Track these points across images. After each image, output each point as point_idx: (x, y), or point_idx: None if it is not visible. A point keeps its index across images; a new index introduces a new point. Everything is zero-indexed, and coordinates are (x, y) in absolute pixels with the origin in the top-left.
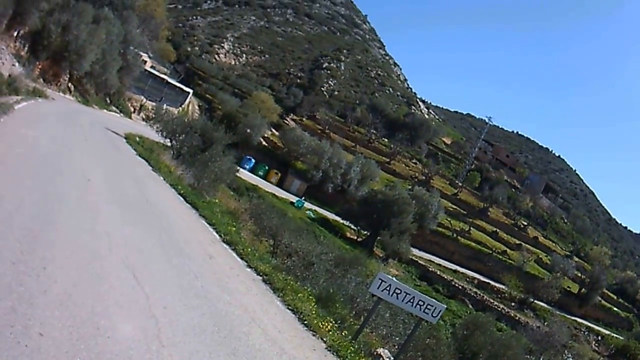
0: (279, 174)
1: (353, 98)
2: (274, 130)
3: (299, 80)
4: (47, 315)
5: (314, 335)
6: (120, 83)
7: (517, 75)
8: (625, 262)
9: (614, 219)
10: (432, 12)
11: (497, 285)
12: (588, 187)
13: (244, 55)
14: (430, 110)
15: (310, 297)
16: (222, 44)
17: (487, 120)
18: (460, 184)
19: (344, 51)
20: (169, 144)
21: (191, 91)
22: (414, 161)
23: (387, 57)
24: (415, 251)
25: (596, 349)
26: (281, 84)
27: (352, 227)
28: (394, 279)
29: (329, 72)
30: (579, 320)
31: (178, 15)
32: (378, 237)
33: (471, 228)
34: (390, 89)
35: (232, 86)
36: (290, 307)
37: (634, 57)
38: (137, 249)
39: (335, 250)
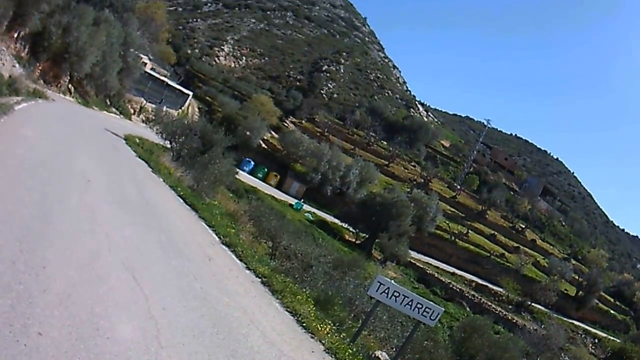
0: (278, 177)
1: (352, 101)
2: (273, 132)
3: (298, 83)
4: (46, 314)
5: (312, 337)
6: (121, 85)
7: (515, 79)
8: (623, 265)
9: (612, 222)
10: (432, 15)
11: (495, 288)
12: (586, 190)
13: (244, 57)
14: (429, 113)
15: (309, 300)
16: (222, 47)
17: (485, 123)
18: (458, 187)
19: (344, 54)
20: (169, 146)
21: (191, 93)
22: (412, 164)
23: (386, 60)
24: (414, 254)
25: (593, 351)
26: (281, 87)
27: (351, 229)
28: (392, 281)
29: (328, 74)
30: (576, 323)
31: (178, 17)
32: (376, 240)
33: (469, 231)
34: (390, 92)
35: (232, 88)
36: (289, 309)
37: (631, 61)
38: (136, 250)
39: (334, 253)
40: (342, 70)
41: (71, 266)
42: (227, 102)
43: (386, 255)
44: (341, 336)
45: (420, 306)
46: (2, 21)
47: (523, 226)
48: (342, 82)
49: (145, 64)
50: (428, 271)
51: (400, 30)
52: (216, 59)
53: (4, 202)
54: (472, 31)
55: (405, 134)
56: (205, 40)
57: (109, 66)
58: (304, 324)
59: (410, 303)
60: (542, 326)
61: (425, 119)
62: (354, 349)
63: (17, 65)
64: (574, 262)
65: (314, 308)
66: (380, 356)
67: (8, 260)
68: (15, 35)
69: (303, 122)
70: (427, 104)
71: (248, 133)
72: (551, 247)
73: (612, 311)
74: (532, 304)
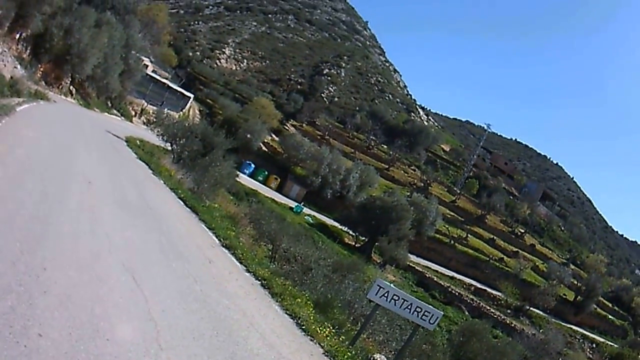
0: (279, 179)
1: (353, 104)
2: (274, 135)
3: (299, 86)
4: (46, 315)
5: (311, 340)
6: (122, 87)
7: (516, 84)
8: (621, 270)
9: (611, 227)
10: (433, 19)
11: (494, 292)
12: (585, 195)
13: (245, 60)
14: (430, 117)
15: (308, 302)
16: (224, 49)
17: (485, 128)
18: (458, 191)
19: (345, 57)
20: (170, 148)
21: (192, 96)
22: (412, 168)
23: (387, 64)
24: (413, 257)
25: (590, 356)
26: (282, 90)
27: (351, 232)
28: (391, 285)
29: (329, 78)
30: (574, 327)
31: (180, 20)
32: (376, 243)
33: (468, 235)
34: (390, 96)
35: (233, 91)
36: (288, 312)
37: (631, 68)
38: (136, 251)
39: (334, 256)
40: (343, 74)
41: (71, 267)
42: (228, 104)
43: (385, 258)
44: (340, 339)
45: (420, 310)
46: (4, 22)
47: (522, 231)
48: (343, 85)
49: (147, 66)
50: (427, 275)
51: (402, 35)
52: (217, 61)
53: (4, 203)
54: (473, 36)
55: (405, 137)
56: (207, 43)
57: (111, 68)
58: (304, 327)
59: (409, 307)
60: (541, 331)
61: (426, 123)
62: (353, 352)
63: (18, 66)
64: (572, 267)
65: (314, 311)
66: (379, 359)
67: (8, 261)
68: (17, 36)
69: (304, 125)
70: (428, 108)
71: (249, 136)
72: (550, 251)
73: (610, 316)
74: (531, 308)
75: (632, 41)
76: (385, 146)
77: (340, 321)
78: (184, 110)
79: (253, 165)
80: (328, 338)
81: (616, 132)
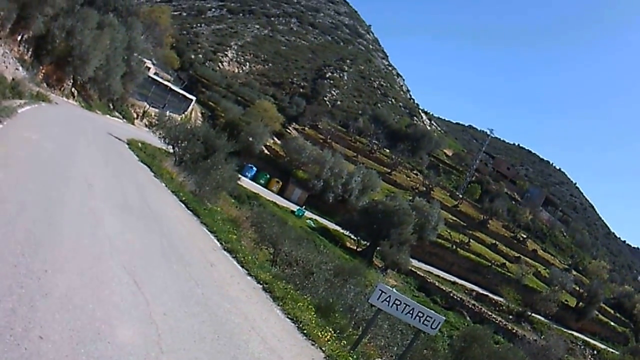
0: (280, 183)
1: (355, 108)
2: (276, 139)
3: (301, 90)
4: (47, 318)
5: (313, 344)
6: (124, 89)
7: (519, 90)
8: (623, 277)
9: (613, 233)
10: (437, 24)
11: (496, 297)
12: (588, 201)
13: (248, 63)
14: (432, 122)
15: (310, 307)
16: (226, 52)
17: (488, 133)
18: (460, 196)
19: (347, 61)
20: (171, 151)
21: (194, 98)
22: (415, 172)
23: (390, 68)
24: (415, 262)
25: None
26: (284, 93)
27: (352, 237)
28: (393, 289)
29: (331, 81)
30: (575, 334)
31: (182, 22)
32: (377, 248)
33: (470, 240)
34: (393, 100)
35: (235, 94)
36: (289, 316)
37: (635, 78)
38: (138, 254)
39: (335, 260)
40: (345, 78)
41: (73, 270)
42: (230, 107)
43: (387, 263)
44: (342, 344)
45: (421, 315)
46: (5, 24)
47: (524, 236)
48: (346, 89)
49: (149, 68)
50: (429, 280)
51: (405, 39)
52: (220, 64)
53: (6, 205)
54: (477, 42)
55: (408, 142)
56: (209, 46)
57: (113, 70)
58: (305, 331)
59: (411, 312)
60: (542, 337)
61: (429, 128)
62: (355, 357)
63: (20, 68)
64: (574, 273)
65: (315, 315)
66: None
67: (10, 263)
68: (19, 38)
69: (306, 128)
70: (431, 113)
71: (251, 139)
72: (552, 257)
73: (612, 323)
74: (533, 314)
75: (637, 50)
76: (387, 150)
77: (341, 325)
78: (186, 113)
79: (255, 169)
80: (329, 342)
81: (619, 139)
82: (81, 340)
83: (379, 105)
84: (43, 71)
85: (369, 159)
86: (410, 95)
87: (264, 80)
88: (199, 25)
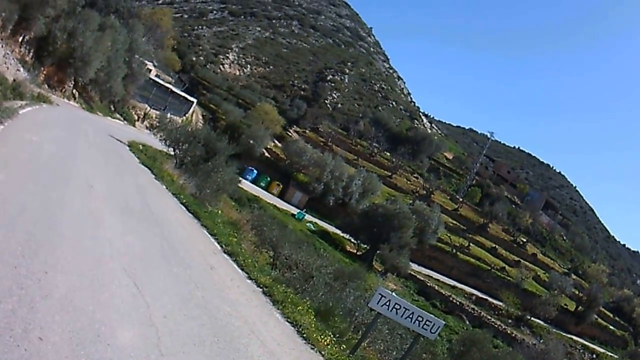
0: (281, 186)
1: (356, 111)
2: (276, 141)
3: (302, 92)
4: (47, 319)
5: (312, 348)
6: (125, 91)
7: (520, 93)
8: (623, 280)
9: (613, 237)
10: (438, 28)
11: (495, 301)
12: (588, 204)
13: (249, 66)
14: (433, 125)
15: (310, 310)
16: (227, 54)
17: (489, 136)
18: (460, 199)
19: (348, 64)
20: (172, 153)
21: (195, 101)
22: (415, 176)
23: (391, 71)
24: (414, 266)
25: None
26: (285, 96)
27: (352, 240)
28: (393, 294)
29: (332, 84)
30: (574, 338)
31: (184, 24)
32: (377, 251)
33: (470, 244)
34: (394, 103)
35: (236, 96)
36: (289, 320)
37: (634, 81)
38: (138, 256)
39: (335, 264)
40: (346, 80)
41: (73, 271)
42: (231, 110)
43: (387, 267)
44: (341, 347)
45: (421, 319)
46: (7, 25)
47: (524, 240)
48: (347, 92)
49: (150, 70)
50: (428, 284)
51: (406, 42)
52: (221, 66)
53: (6, 207)
54: (477, 45)
55: (408, 145)
56: (210, 48)
57: (114, 72)
58: (305, 335)
59: (411, 316)
60: (541, 341)
61: (429, 131)
62: None
63: (21, 69)
64: (574, 276)
65: (315, 319)
66: None
67: (10, 264)
68: (20, 39)
69: (307, 131)
70: (431, 116)
71: (251, 142)
72: (552, 261)
73: (611, 327)
74: (532, 318)
75: (637, 53)
76: (388, 153)
77: (341, 329)
78: (187, 115)
79: (255, 171)
80: (329, 346)
81: (619, 142)
82: (81, 341)
83: (379, 108)
84: (44, 72)
85: (370, 162)
86: (411, 98)
87: (265, 83)
88: (200, 27)
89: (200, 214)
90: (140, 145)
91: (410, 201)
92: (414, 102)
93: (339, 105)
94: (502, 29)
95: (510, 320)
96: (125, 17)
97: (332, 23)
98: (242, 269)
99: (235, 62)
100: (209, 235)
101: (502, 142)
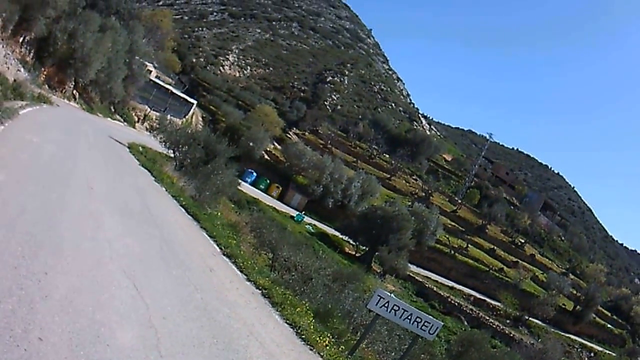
0: (280, 188)
1: (356, 113)
2: (276, 144)
3: (302, 94)
4: (47, 320)
5: (311, 349)
6: (125, 92)
7: (518, 94)
8: (621, 279)
9: (611, 236)
10: (437, 29)
11: (493, 302)
12: (586, 204)
13: (249, 67)
14: (432, 126)
15: (308, 312)
16: (227, 56)
17: (487, 137)
18: (459, 201)
19: (348, 65)
20: (172, 155)
21: (195, 102)
22: (414, 177)
23: (390, 72)
24: (413, 267)
25: None
26: (285, 97)
27: (351, 242)
28: (392, 295)
29: (332, 86)
30: (572, 337)
31: (184, 26)
32: (376, 253)
33: (469, 245)
34: (393, 104)
35: (236, 98)
36: (288, 322)
37: (634, 81)
38: (138, 258)
39: (334, 265)
40: (346, 82)
41: (73, 273)
42: (231, 111)
43: (385, 268)
44: (340, 349)
45: (420, 320)
46: (7, 25)
47: (522, 241)
48: (346, 93)
49: (150, 71)
50: (427, 285)
51: (405, 43)
52: (221, 68)
53: (7, 208)
54: (476, 46)
55: (407, 147)
56: (210, 50)
57: (114, 73)
58: (303, 336)
59: (409, 317)
60: (539, 340)
61: (428, 132)
62: None
63: (22, 69)
64: (572, 276)
65: (313, 320)
66: None
67: (10, 265)
68: (21, 39)
69: (306, 133)
70: (430, 117)
71: (251, 144)
72: (550, 262)
73: (609, 325)
74: (530, 318)
75: (635, 52)
76: (387, 155)
77: (339, 331)
78: (187, 117)
79: (255, 174)
80: (327, 347)
81: (617, 142)
82: (80, 342)
83: (379, 109)
84: (45, 73)
85: (369, 165)
86: (410, 100)
87: (264, 85)
88: (200, 29)
89: (200, 216)
90: (140, 147)
91: (409, 203)
92: (413, 104)
93: (339, 107)
94: (500, 30)
95: (508, 321)
96: (125, 19)
97: (332, 25)
98: (241, 271)
99: (235, 63)
100: (208, 238)
101: (500, 143)
